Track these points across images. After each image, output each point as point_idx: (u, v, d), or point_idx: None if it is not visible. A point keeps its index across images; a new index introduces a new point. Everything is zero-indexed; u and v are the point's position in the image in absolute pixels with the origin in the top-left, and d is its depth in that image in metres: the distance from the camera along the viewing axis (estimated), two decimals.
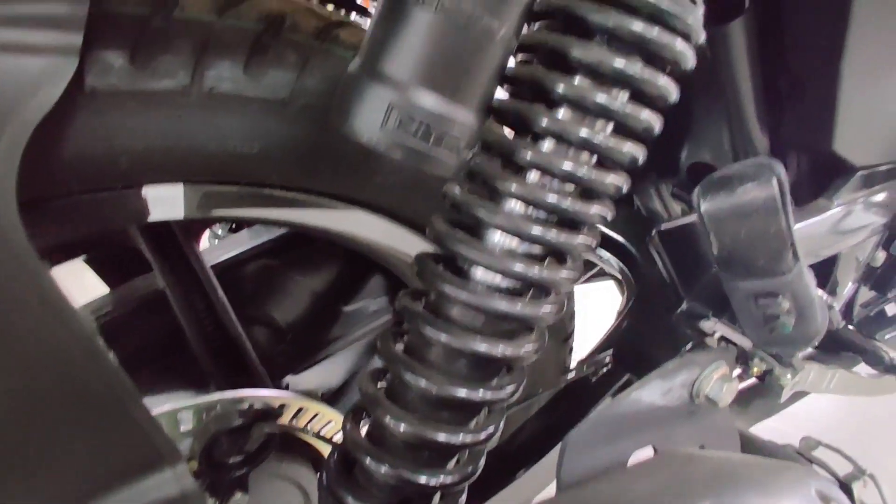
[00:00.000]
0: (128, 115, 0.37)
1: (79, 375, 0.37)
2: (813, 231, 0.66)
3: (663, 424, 0.48)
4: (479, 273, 0.36)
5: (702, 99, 0.64)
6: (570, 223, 0.35)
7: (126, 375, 0.39)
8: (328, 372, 0.81)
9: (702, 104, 0.65)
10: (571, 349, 0.83)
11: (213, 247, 0.67)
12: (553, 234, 0.34)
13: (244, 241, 0.70)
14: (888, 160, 0.67)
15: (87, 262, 0.71)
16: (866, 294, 0.95)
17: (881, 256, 0.82)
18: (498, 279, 0.36)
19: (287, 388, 0.76)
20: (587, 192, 0.35)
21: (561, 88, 0.33)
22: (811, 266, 0.73)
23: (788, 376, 0.89)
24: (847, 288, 0.86)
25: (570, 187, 0.35)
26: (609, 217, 0.36)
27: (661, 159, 0.74)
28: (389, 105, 0.28)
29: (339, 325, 0.79)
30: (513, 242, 0.35)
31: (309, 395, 0.60)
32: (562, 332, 0.78)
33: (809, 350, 1.05)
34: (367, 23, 0.79)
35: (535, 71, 0.34)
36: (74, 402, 0.37)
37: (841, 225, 0.67)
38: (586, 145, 0.33)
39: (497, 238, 0.35)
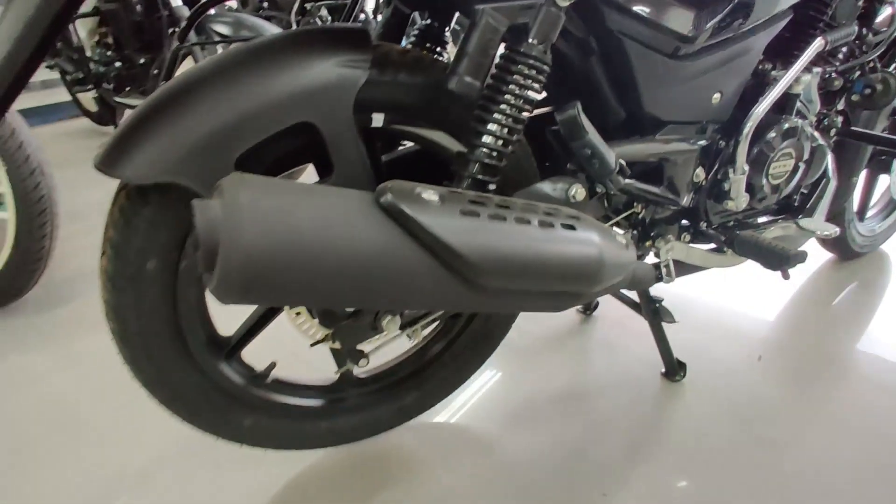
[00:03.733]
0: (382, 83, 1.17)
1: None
2: (642, 147, 1.43)
3: None
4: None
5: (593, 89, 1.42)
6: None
7: None
8: None
9: (594, 91, 1.43)
10: None
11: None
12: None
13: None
14: (690, 119, 1.44)
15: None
16: (714, 205, 1.68)
17: (701, 174, 1.57)
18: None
19: None
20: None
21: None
22: (648, 166, 1.49)
23: (664, 245, 1.65)
24: (686, 195, 1.60)
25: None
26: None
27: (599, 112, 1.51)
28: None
29: None
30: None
31: None
32: None
33: (686, 236, 1.78)
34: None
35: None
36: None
37: (658, 148, 1.43)
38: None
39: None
